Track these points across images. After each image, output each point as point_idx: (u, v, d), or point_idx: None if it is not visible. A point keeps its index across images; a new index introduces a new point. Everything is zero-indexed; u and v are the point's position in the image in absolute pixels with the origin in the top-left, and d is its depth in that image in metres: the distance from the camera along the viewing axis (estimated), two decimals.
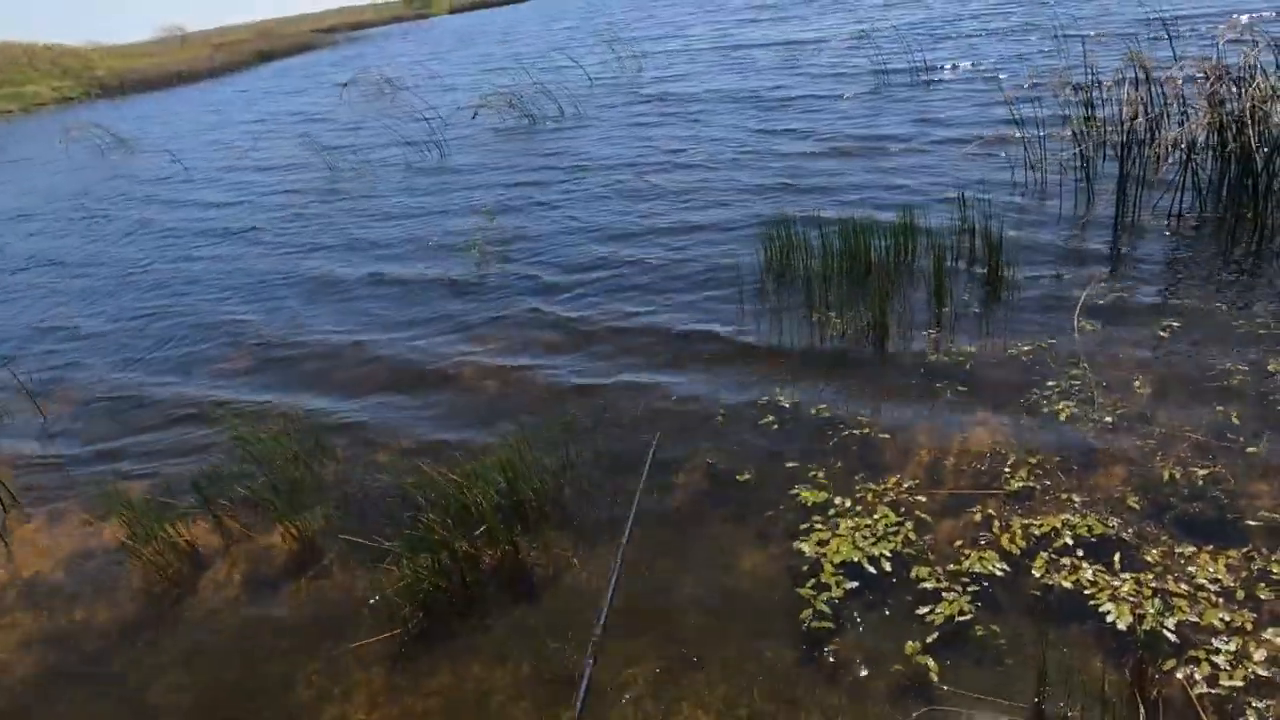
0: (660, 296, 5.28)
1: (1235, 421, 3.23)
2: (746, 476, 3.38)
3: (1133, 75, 5.77)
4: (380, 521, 3.55)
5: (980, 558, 2.75)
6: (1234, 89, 5.07)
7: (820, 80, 11.34)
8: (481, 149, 10.88)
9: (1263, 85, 4.93)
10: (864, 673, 2.46)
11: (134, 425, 4.83)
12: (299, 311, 6.16)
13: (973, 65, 10.50)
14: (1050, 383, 3.68)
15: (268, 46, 44.30)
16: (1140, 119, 5.68)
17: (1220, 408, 3.32)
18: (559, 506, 3.44)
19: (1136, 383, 3.57)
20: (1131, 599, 2.50)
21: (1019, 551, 2.76)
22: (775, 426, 3.70)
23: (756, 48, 15.61)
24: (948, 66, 10.63)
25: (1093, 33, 10.37)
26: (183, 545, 3.61)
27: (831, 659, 2.52)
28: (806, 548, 2.92)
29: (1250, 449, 3.06)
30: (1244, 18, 8.39)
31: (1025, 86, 7.76)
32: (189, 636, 3.16)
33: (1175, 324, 3.99)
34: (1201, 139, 5.33)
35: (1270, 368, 3.51)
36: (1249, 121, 4.75)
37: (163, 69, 37.58)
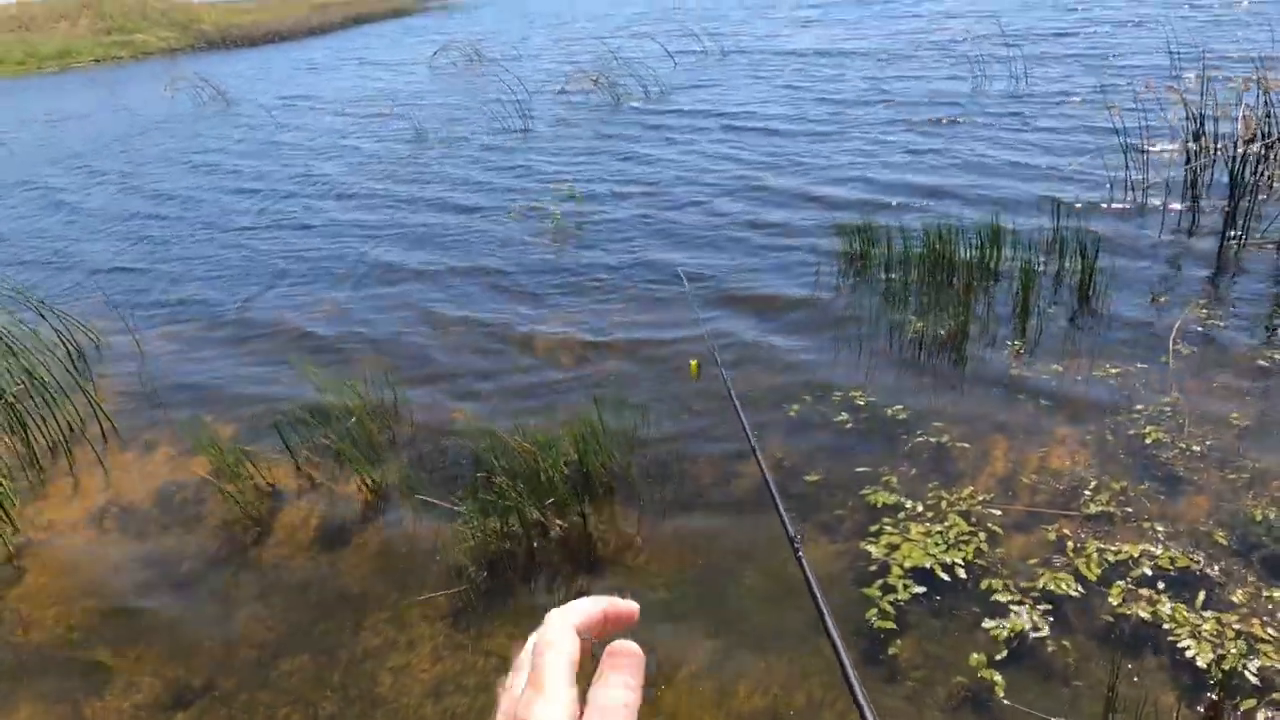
0: (737, 284, 5.27)
1: None
2: (817, 475, 3.37)
3: (1252, 97, 5.51)
4: (452, 482, 3.66)
5: (1054, 577, 2.70)
6: None
7: (911, 81, 11.09)
8: (565, 125, 10.95)
9: None
10: (925, 678, 2.45)
11: (224, 367, 5.05)
12: (383, 270, 6.33)
13: (1071, 76, 10.12)
14: (1139, 406, 3.56)
15: (364, 10, 45.22)
16: (1257, 143, 5.43)
17: None
18: (627, 485, 3.49)
19: (1232, 415, 3.43)
20: (1213, 638, 2.42)
21: (1095, 577, 2.69)
22: (849, 425, 3.67)
23: (843, 53, 15.33)
24: (1043, 77, 10.27)
25: (1205, 51, 9.87)
26: (265, 486, 3.78)
27: (893, 660, 2.52)
28: (875, 549, 2.90)
29: None
30: None
31: (1130, 101, 7.45)
32: (268, 573, 3.32)
33: (1278, 357, 3.81)
34: None
35: None
36: None
37: (263, 26, 38.72)
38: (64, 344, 5.32)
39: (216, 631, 3.06)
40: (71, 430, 4.45)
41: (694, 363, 3.56)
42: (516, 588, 3.05)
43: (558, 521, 3.24)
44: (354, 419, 4.12)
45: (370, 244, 7.02)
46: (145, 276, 6.95)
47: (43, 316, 5.36)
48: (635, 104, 11.63)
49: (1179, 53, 7.87)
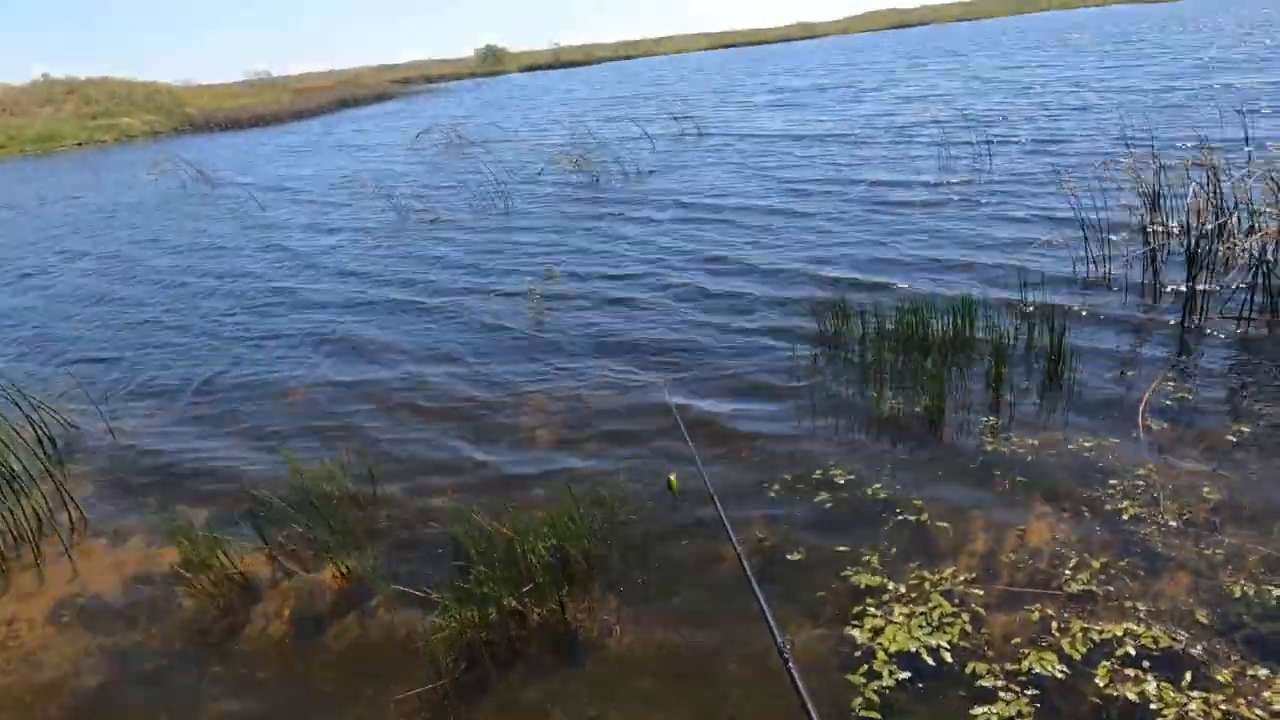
0: (715, 365, 5.33)
1: None
2: (798, 555, 3.35)
3: (1200, 175, 5.77)
4: (429, 569, 3.59)
5: (1040, 658, 2.68)
6: None
7: (879, 166, 11.49)
8: (546, 205, 11.18)
9: None
10: None
11: (199, 454, 4.98)
12: (358, 352, 6.33)
13: (1030, 157, 10.55)
14: (1113, 481, 3.60)
15: (347, 94, 46.39)
16: (1209, 221, 5.64)
17: None
18: (606, 570, 3.44)
19: (1205, 488, 3.48)
20: None
21: (1080, 656, 2.68)
22: (829, 505, 3.67)
23: (808, 136, 15.92)
24: (1003, 159, 10.70)
25: (1159, 131, 10.35)
26: (237, 576, 3.69)
27: None
28: (859, 634, 2.87)
29: None
30: None
31: (1088, 182, 7.77)
32: (237, 666, 3.21)
33: (1245, 430, 3.89)
34: (1272, 245, 5.27)
35: None
36: None
37: (248, 110, 39.54)
38: (34, 429, 5.24)
39: None
40: (39, 519, 4.34)
41: (672, 478, 3.62)
42: (494, 679, 2.97)
43: (535, 609, 3.18)
44: (330, 505, 4.06)
45: (347, 327, 7.05)
46: (120, 361, 6.89)
47: (15, 404, 5.28)
48: (614, 186, 11.93)
49: (1131, 137, 8.24)
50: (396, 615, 3.37)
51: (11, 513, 4.26)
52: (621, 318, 6.40)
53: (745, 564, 2.05)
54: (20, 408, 5.27)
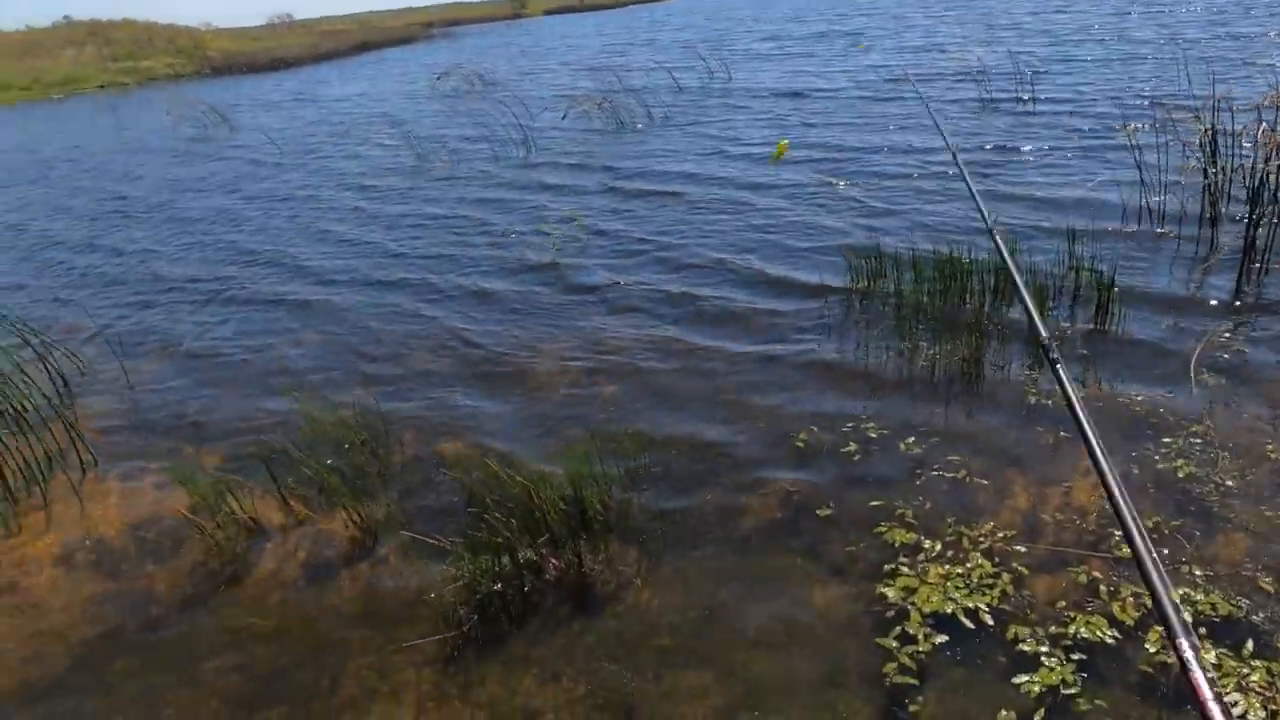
0: (744, 310, 5.11)
1: None
2: (827, 510, 3.18)
3: (1271, 115, 5.38)
4: (442, 517, 3.47)
5: (1087, 622, 2.50)
6: None
7: (909, 122, 11.01)
8: (569, 150, 10.87)
9: None
10: None
11: (213, 396, 4.89)
12: (374, 297, 6.18)
13: (1075, 97, 10.05)
14: (1166, 438, 3.37)
15: (370, 37, 45.70)
16: (1275, 160, 5.27)
17: None
18: (626, 521, 3.30)
19: (1267, 446, 3.24)
20: (1263, 690, 2.22)
21: (1132, 622, 2.49)
22: (859, 457, 3.48)
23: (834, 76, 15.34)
24: (1047, 96, 10.20)
25: (1222, 63, 9.78)
26: (246, 521, 3.60)
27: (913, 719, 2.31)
28: (891, 593, 2.70)
29: None
30: None
31: (1146, 125, 7.35)
32: (244, 615, 3.12)
33: None
34: None
35: None
36: None
37: (269, 53, 39.08)
38: (47, 370, 5.16)
39: (189, 677, 2.86)
40: (50, 461, 4.27)
41: (784, 143, 3.32)
42: (507, 632, 2.85)
43: (552, 561, 3.05)
44: (343, 450, 3.95)
45: (362, 270, 6.89)
46: (136, 303, 6.81)
47: (26, 341, 5.20)
48: (636, 132, 11.56)
49: (1191, 80, 7.77)
50: (408, 563, 3.26)
51: (22, 453, 4.19)
52: (647, 263, 6.17)
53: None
54: (31, 345, 5.19)
